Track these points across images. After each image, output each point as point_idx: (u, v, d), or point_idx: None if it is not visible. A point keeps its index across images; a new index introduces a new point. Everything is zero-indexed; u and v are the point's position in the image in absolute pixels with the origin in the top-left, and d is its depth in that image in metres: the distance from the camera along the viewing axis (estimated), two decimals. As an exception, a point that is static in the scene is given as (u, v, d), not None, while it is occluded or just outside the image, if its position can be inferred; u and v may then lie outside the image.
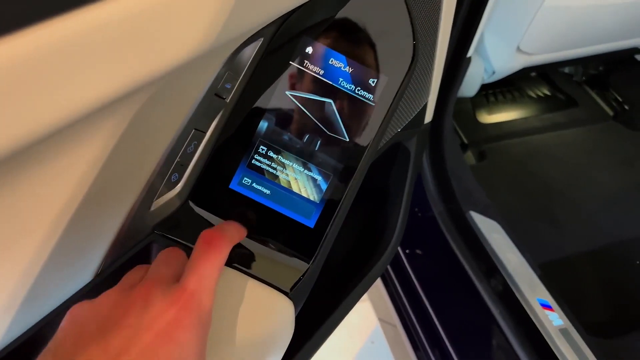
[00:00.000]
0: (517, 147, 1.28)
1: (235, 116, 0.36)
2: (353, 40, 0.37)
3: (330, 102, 0.37)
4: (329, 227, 0.38)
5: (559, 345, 0.74)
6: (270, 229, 0.37)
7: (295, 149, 0.37)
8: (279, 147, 0.37)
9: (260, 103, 0.36)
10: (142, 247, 0.35)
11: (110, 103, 0.23)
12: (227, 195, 0.37)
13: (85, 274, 0.32)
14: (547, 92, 1.44)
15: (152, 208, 0.35)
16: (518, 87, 1.44)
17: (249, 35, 0.34)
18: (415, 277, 0.96)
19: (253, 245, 0.37)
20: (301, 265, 0.37)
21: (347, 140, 0.38)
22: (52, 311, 0.31)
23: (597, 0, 0.89)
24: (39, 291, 0.29)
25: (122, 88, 0.22)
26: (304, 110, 0.37)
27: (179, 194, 0.36)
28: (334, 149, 0.38)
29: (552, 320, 0.77)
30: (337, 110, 0.38)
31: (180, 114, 0.33)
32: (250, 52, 0.35)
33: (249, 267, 0.36)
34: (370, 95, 0.38)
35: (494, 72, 1.06)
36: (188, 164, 0.35)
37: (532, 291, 0.81)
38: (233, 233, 0.33)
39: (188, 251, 0.35)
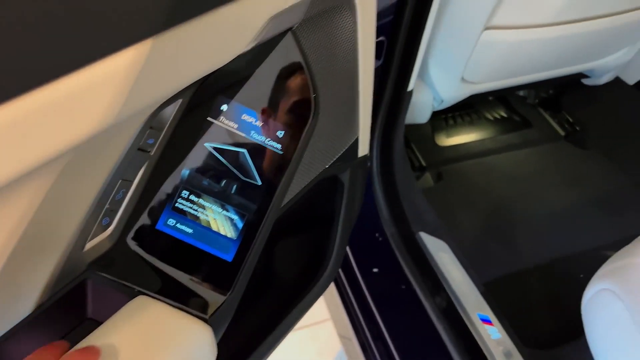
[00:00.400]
0: (474, 168, 1.35)
1: (160, 166, 0.42)
2: (262, 97, 0.43)
3: (244, 152, 0.43)
4: (245, 260, 0.44)
5: (496, 356, 0.79)
6: (193, 263, 0.43)
7: (214, 192, 0.43)
8: (200, 191, 0.43)
9: (181, 154, 0.42)
10: (77, 284, 0.40)
11: (29, 172, 0.28)
12: (154, 235, 0.42)
13: (19, 315, 0.37)
14: (504, 114, 1.52)
15: (86, 248, 0.40)
16: (476, 109, 1.52)
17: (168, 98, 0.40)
18: (369, 294, 1.02)
19: (178, 277, 0.42)
20: (220, 295, 0.43)
21: (260, 184, 0.44)
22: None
23: (531, 35, 0.97)
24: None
25: (33, 163, 0.27)
26: (221, 159, 0.43)
27: (111, 235, 0.41)
28: (249, 192, 0.44)
29: (491, 334, 0.83)
30: (250, 158, 0.43)
31: (106, 167, 0.38)
32: (171, 110, 0.41)
33: (172, 297, 0.42)
34: (278, 145, 0.44)
35: (442, 101, 1.13)
36: (118, 210, 0.41)
37: (474, 307, 0.87)
38: None
39: (122, 288, 0.40)
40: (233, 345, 0.50)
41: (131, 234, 0.42)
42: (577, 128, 1.44)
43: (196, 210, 0.43)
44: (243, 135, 0.43)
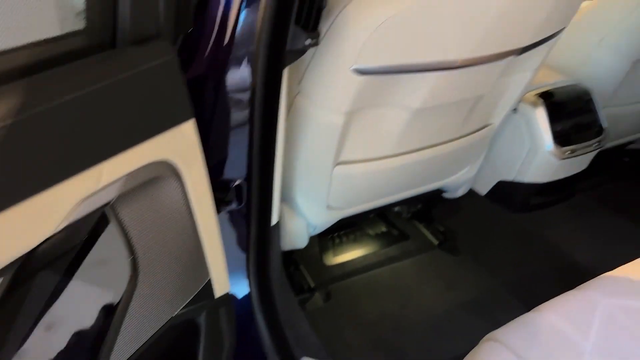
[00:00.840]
0: (360, 284, 1.44)
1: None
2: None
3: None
4: None
5: None
6: None
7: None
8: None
9: (6, 326, 0.46)
10: None
11: None
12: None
13: None
14: (384, 229, 1.65)
15: None
16: (360, 227, 1.65)
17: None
18: None
19: None
20: None
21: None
22: None
23: (377, 166, 1.12)
24: None
25: None
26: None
27: None
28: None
29: None
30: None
31: None
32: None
33: None
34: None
35: (315, 227, 1.24)
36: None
37: None
38: None
39: None
40: None
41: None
42: (448, 237, 1.60)
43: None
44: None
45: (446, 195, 1.55)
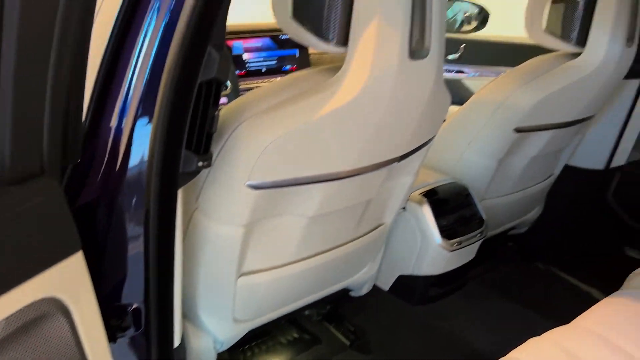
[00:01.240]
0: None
1: None
2: None
3: None
4: None
5: None
6: None
7: None
8: None
9: None
10: None
11: None
12: None
13: None
14: (296, 335, 1.64)
15: None
16: (272, 335, 1.62)
17: None
18: None
19: None
20: None
21: None
22: None
23: (279, 274, 1.14)
24: None
25: None
26: None
27: None
28: None
29: None
30: None
31: None
32: None
33: None
34: None
35: (222, 342, 1.21)
36: None
37: None
38: None
39: None
40: None
41: None
42: (358, 335, 1.61)
43: None
44: None
45: (352, 293, 1.59)
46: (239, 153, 0.90)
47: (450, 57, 2.45)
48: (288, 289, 1.21)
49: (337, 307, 1.71)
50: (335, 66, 0.95)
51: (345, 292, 1.58)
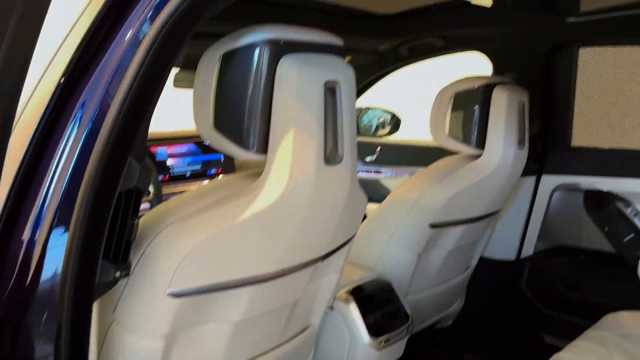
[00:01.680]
0: None
1: None
2: None
3: None
4: None
5: None
6: None
7: None
8: None
9: None
10: None
11: None
12: None
13: None
14: None
15: None
16: None
17: None
18: None
19: None
20: None
21: None
22: None
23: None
24: None
25: None
26: None
27: None
28: None
29: None
30: None
31: None
32: None
33: None
34: None
35: None
36: None
37: None
38: None
39: None
40: None
41: None
42: None
43: None
44: None
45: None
46: (159, 260, 0.88)
47: (368, 159, 2.62)
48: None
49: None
50: (257, 171, 0.99)
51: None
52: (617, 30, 1.79)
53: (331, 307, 1.48)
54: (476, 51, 2.13)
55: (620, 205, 1.88)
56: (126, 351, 0.97)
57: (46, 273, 0.74)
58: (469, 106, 1.63)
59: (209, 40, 0.95)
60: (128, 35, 0.77)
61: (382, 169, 2.57)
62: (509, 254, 2.10)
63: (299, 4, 1.66)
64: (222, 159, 2.24)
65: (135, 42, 0.76)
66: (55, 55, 0.78)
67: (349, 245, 1.27)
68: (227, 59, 0.91)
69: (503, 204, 1.83)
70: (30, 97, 0.78)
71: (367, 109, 2.51)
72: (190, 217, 0.91)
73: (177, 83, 1.87)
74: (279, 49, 0.90)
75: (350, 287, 1.52)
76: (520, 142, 1.68)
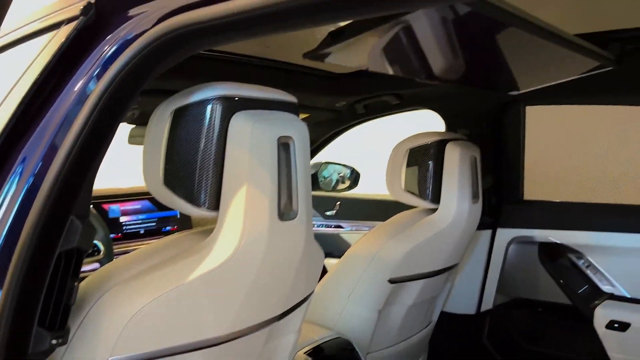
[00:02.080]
0: None
1: None
2: None
3: None
4: None
5: None
6: None
7: None
8: None
9: None
10: None
11: None
12: None
13: None
14: None
15: None
16: None
17: None
18: None
19: None
20: None
21: None
22: None
23: None
24: None
25: None
26: None
27: None
28: None
29: None
30: None
31: None
32: None
33: None
34: None
35: None
36: None
37: None
38: None
39: None
40: None
41: None
42: None
43: None
44: None
45: None
46: (101, 326, 0.83)
47: (328, 213, 2.61)
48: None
49: None
50: (209, 228, 0.96)
51: None
52: (556, 95, 1.89)
53: (287, 371, 1.41)
54: (429, 109, 2.20)
55: (573, 257, 1.92)
56: None
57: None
58: (423, 162, 1.66)
59: (165, 96, 0.94)
60: (74, 91, 0.75)
61: (343, 224, 2.56)
62: (469, 308, 2.09)
63: (257, 62, 1.69)
64: (179, 216, 2.19)
65: (82, 98, 0.75)
66: (-3, 109, 0.76)
67: (307, 303, 1.24)
68: (179, 115, 0.90)
69: (461, 258, 1.84)
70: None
71: (327, 163, 2.53)
72: (136, 277, 0.87)
73: (132, 139, 1.84)
74: (232, 105, 0.90)
75: (310, 347, 1.46)
76: (474, 196, 1.71)
